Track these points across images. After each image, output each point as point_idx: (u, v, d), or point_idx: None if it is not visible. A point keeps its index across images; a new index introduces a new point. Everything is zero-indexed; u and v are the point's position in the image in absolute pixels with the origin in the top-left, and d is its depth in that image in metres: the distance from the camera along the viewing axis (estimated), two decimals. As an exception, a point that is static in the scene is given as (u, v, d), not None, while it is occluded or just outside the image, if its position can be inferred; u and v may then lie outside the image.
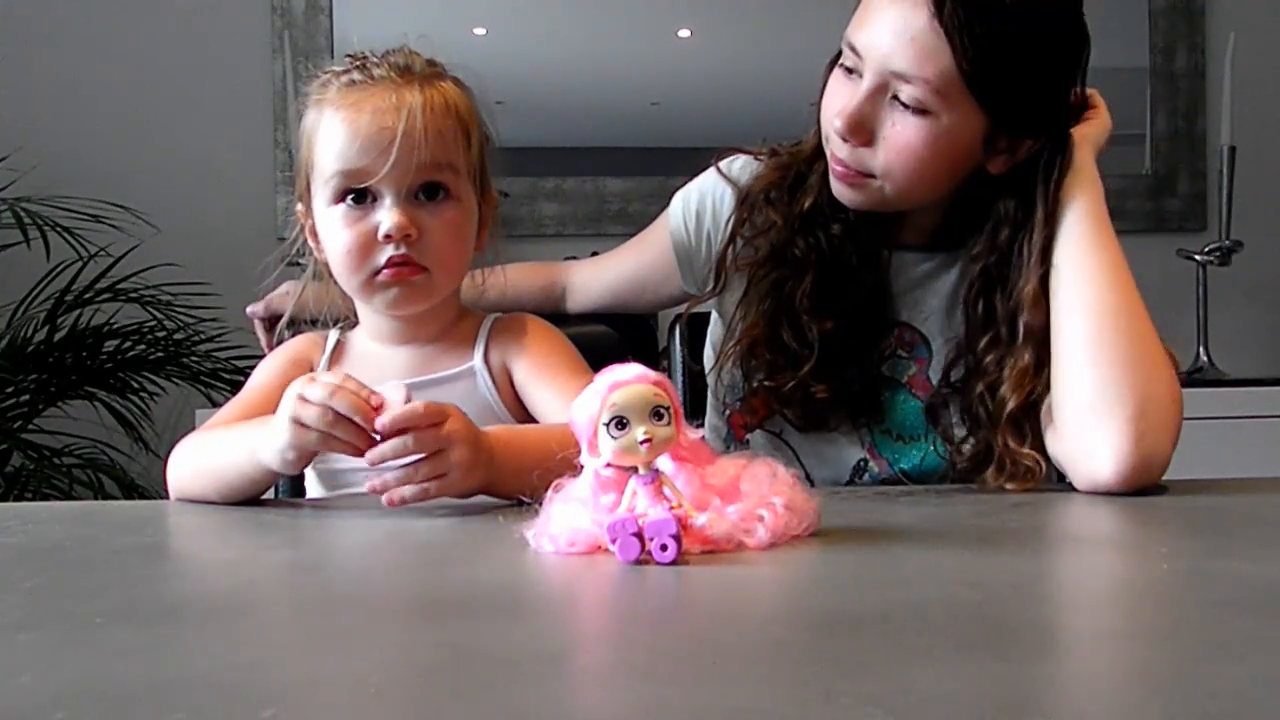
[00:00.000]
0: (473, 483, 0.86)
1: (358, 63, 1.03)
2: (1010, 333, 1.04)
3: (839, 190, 1.07)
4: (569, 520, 0.70)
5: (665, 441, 0.67)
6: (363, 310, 1.10)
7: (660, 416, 0.67)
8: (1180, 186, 2.58)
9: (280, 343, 1.18)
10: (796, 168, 1.14)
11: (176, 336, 2.11)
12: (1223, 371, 2.33)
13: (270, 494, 1.00)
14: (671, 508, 0.67)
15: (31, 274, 2.06)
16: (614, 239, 1.48)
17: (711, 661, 0.47)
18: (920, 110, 0.99)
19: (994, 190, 1.06)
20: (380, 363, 1.07)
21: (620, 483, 0.69)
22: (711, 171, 1.21)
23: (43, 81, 2.38)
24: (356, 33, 2.35)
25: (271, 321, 1.25)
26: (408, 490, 0.83)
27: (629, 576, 0.64)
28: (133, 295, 2.09)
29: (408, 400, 0.84)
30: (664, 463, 0.69)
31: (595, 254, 1.44)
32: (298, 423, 0.85)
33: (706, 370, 1.23)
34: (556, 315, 1.25)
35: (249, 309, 1.26)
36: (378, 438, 0.84)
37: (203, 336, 2.11)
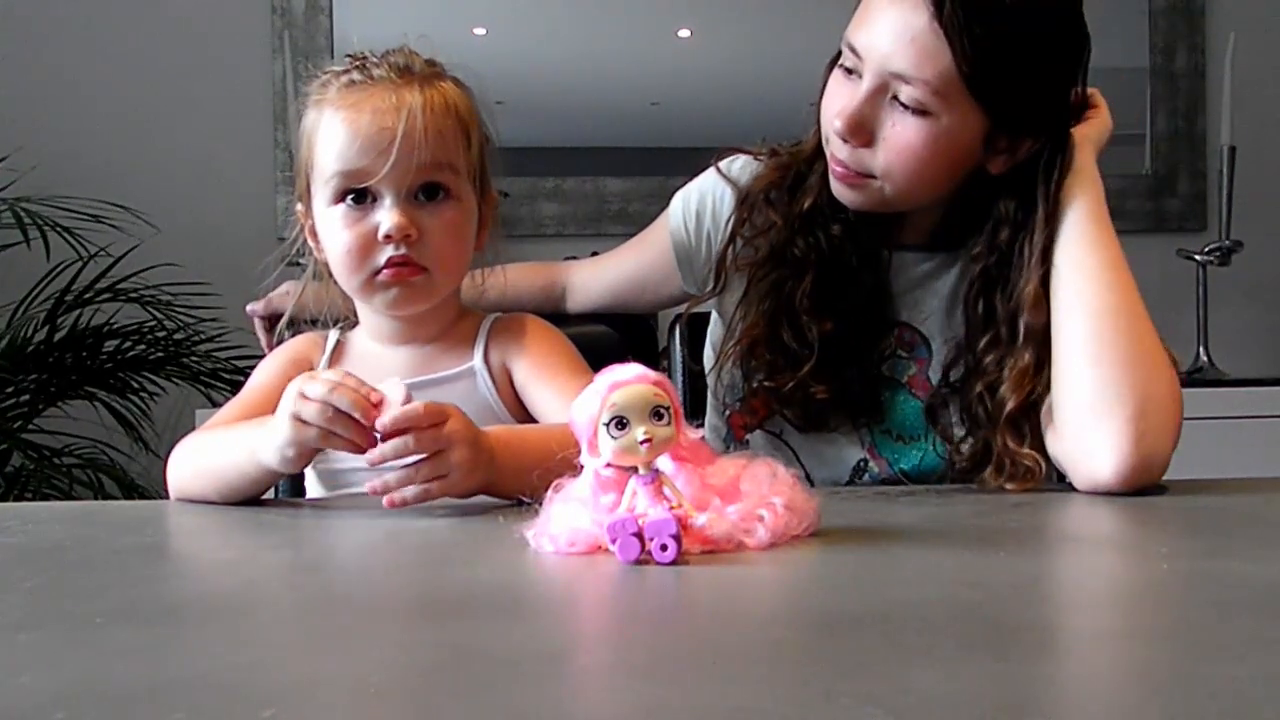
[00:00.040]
0: (473, 483, 0.86)
1: (357, 63, 1.03)
2: (1010, 333, 1.04)
3: (839, 191, 1.07)
4: (569, 520, 0.70)
5: (665, 441, 0.67)
6: (363, 310, 1.10)
7: (660, 416, 0.67)
8: (1180, 186, 2.58)
9: (280, 343, 1.18)
10: (796, 168, 1.14)
11: (176, 336, 2.11)
12: (1223, 371, 2.33)
13: (270, 494, 1.00)
14: (671, 508, 0.67)
15: (31, 274, 2.06)
16: (614, 239, 1.48)
17: (711, 661, 0.47)
18: (920, 111, 0.99)
19: (994, 190, 1.06)
20: (380, 363, 1.07)
21: (620, 483, 0.69)
22: (711, 171, 1.21)
23: (43, 81, 2.39)
24: (356, 33, 2.35)
25: (271, 321, 1.25)
26: (409, 492, 0.83)
27: (629, 576, 0.64)
28: (133, 295, 2.09)
29: (407, 397, 0.84)
30: (664, 463, 0.69)
31: (595, 254, 1.44)
32: (298, 419, 0.85)
33: (706, 370, 1.23)
34: (556, 315, 1.25)
35: (249, 307, 1.26)
36: (378, 435, 0.84)
37: (203, 336, 2.11)
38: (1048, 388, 1.00)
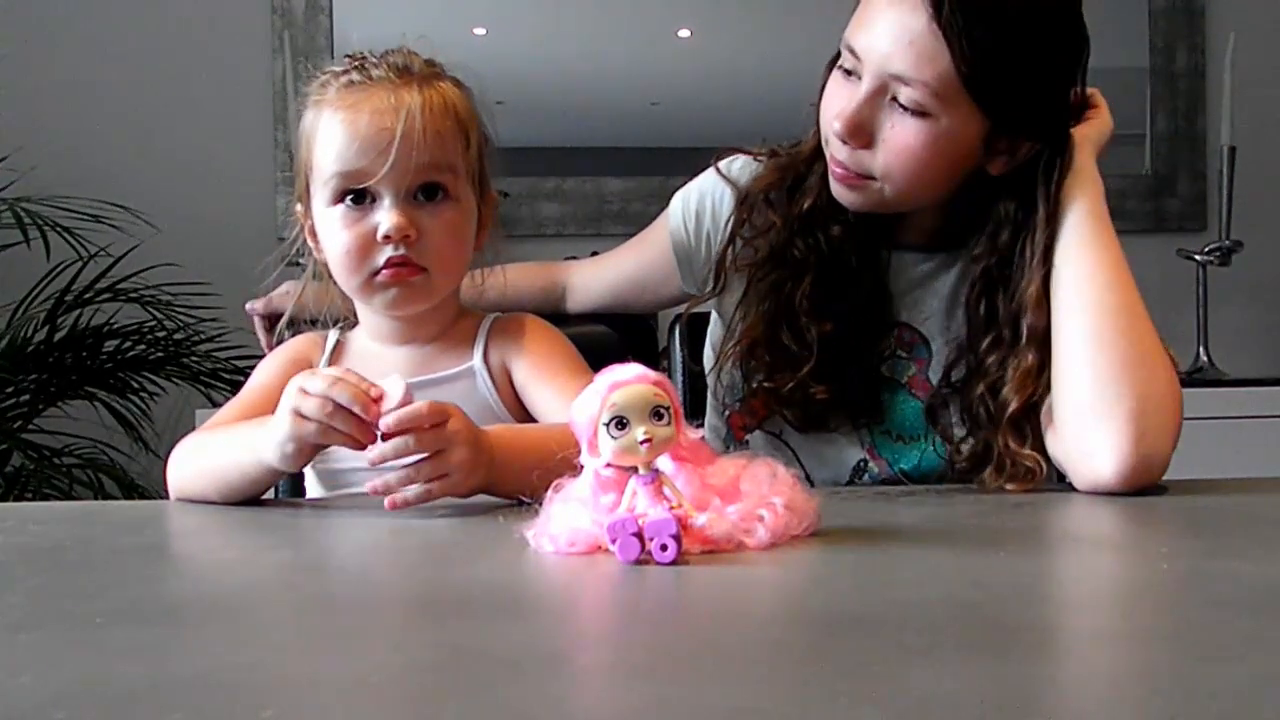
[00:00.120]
0: (473, 483, 0.86)
1: (356, 63, 1.03)
2: (1013, 334, 1.04)
3: (838, 192, 1.07)
4: (569, 520, 0.70)
5: (665, 441, 0.67)
6: (362, 310, 1.10)
7: (660, 416, 0.67)
8: (1180, 186, 2.58)
9: (280, 342, 1.18)
10: (796, 168, 1.14)
11: (176, 336, 2.11)
12: (1223, 371, 2.33)
13: (270, 494, 1.00)
14: (671, 508, 0.67)
15: (31, 274, 2.06)
16: (614, 239, 1.48)
17: (711, 661, 0.47)
18: (919, 112, 0.99)
19: (994, 191, 1.06)
20: (380, 363, 1.07)
21: (620, 483, 0.69)
22: (711, 172, 1.21)
23: (43, 81, 2.38)
24: (356, 33, 2.38)
25: (271, 321, 1.25)
26: (410, 493, 0.84)
27: (629, 576, 0.64)
28: (133, 295, 2.09)
29: (407, 393, 0.84)
30: (664, 463, 0.69)
31: (595, 254, 1.44)
32: (298, 414, 0.85)
33: (706, 371, 1.23)
34: (556, 315, 1.25)
35: (248, 305, 1.26)
36: (378, 432, 0.84)
37: (203, 336, 2.11)
38: (1048, 388, 1.00)
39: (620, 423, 0.66)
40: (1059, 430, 0.98)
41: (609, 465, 0.69)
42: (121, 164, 2.37)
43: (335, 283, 1.07)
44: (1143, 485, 0.93)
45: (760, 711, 0.40)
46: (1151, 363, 0.96)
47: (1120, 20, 2.54)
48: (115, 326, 2.11)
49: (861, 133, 1.02)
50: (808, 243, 1.12)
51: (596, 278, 1.31)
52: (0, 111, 2.28)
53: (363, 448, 0.85)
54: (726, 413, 1.19)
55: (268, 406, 0.93)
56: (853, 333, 1.11)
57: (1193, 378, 2.27)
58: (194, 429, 1.07)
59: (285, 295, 1.23)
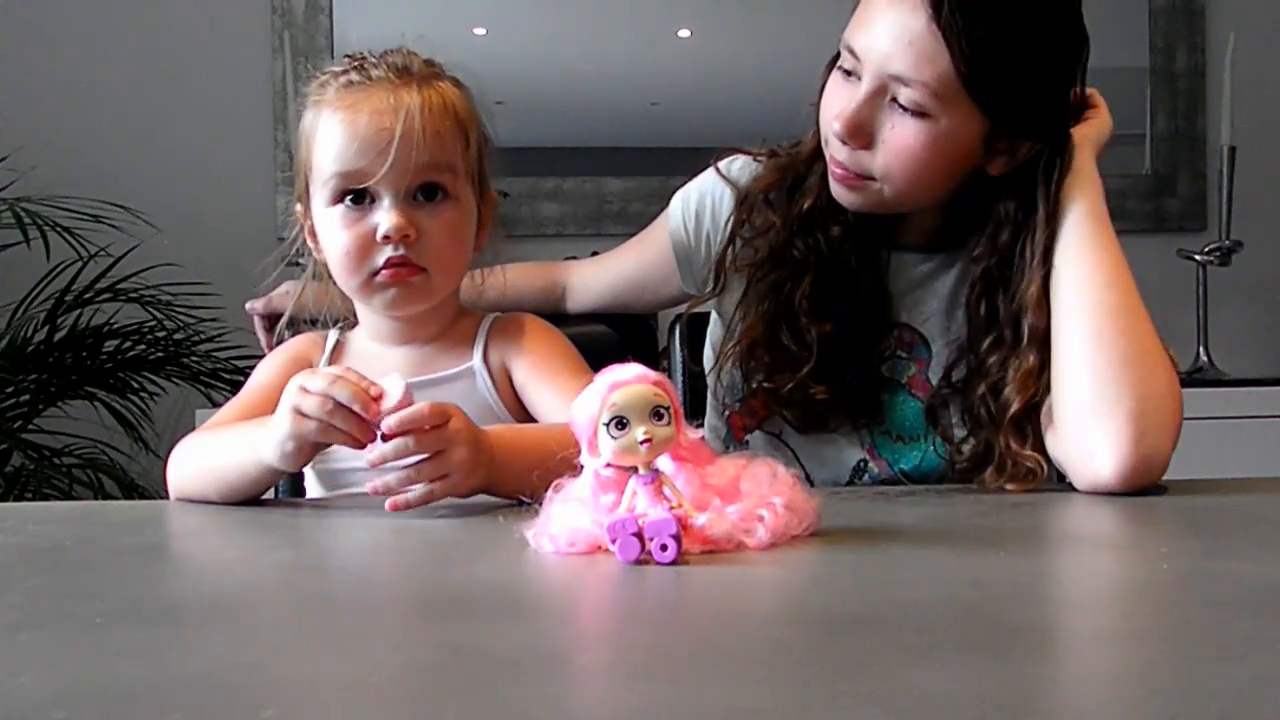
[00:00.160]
0: (474, 483, 0.86)
1: (355, 63, 1.03)
2: (1014, 335, 1.04)
3: (838, 192, 1.07)
4: (569, 520, 0.70)
5: (665, 441, 0.67)
6: (362, 310, 1.10)
7: (660, 416, 0.67)
8: (1180, 186, 2.58)
9: (280, 342, 1.18)
10: (795, 169, 1.14)
11: (176, 336, 2.11)
12: (1223, 371, 2.33)
13: (270, 494, 1.00)
14: (671, 508, 0.67)
15: (31, 274, 2.06)
16: (614, 239, 1.48)
17: (711, 661, 0.47)
18: (919, 113, 0.99)
19: (994, 191, 1.06)
20: (380, 363, 1.07)
21: (620, 483, 0.69)
22: (711, 172, 1.21)
23: (43, 81, 2.38)
24: (356, 33, 2.38)
25: (271, 321, 1.25)
26: (412, 495, 0.84)
27: (629, 576, 0.64)
28: (133, 295, 2.09)
29: (407, 391, 0.84)
30: (664, 463, 0.69)
31: (595, 254, 1.44)
32: (298, 412, 0.85)
33: (706, 371, 1.23)
34: (556, 315, 1.25)
35: (248, 305, 1.26)
36: (378, 432, 0.84)
37: (203, 336, 2.11)
38: (1048, 389, 1.00)
39: (620, 423, 0.66)
40: (1059, 430, 0.98)
41: (609, 465, 0.69)
42: (121, 164, 2.37)
43: (335, 283, 1.07)
44: (1143, 485, 0.93)
45: (760, 711, 0.40)
46: (1151, 362, 0.96)
47: (1120, 20, 2.54)
48: (115, 326, 2.11)
49: (861, 133, 1.02)
50: (807, 243, 1.12)
51: (596, 278, 1.31)
52: (0, 111, 2.28)
53: (362, 446, 0.85)
54: (726, 413, 1.19)
55: (268, 406, 0.93)
56: (852, 333, 1.11)
57: (1193, 378, 2.27)
58: (194, 429, 1.07)
59: (285, 295, 1.23)
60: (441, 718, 0.40)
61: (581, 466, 0.71)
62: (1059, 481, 1.01)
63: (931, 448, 1.13)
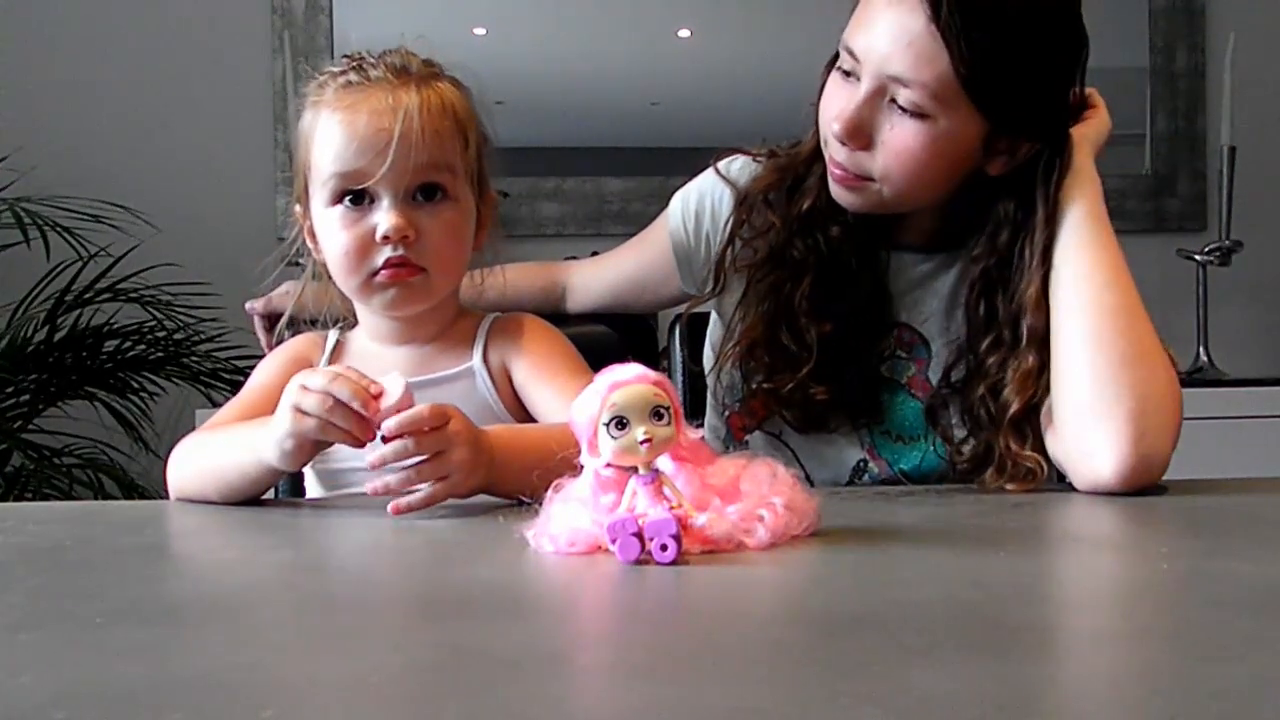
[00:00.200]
0: (474, 483, 0.86)
1: (354, 64, 1.03)
2: (1013, 335, 1.04)
3: (837, 193, 1.07)
4: (569, 520, 0.70)
5: (665, 441, 0.67)
6: (361, 311, 1.10)
7: (660, 416, 0.67)
8: (1180, 186, 2.58)
9: (280, 342, 1.18)
10: (795, 169, 1.14)
11: (176, 336, 2.11)
12: (1223, 371, 2.33)
13: (270, 494, 1.00)
14: (671, 508, 0.67)
15: (31, 274, 2.06)
16: (614, 239, 1.48)
17: (711, 661, 0.47)
18: (918, 114, 0.99)
19: (993, 191, 1.06)
20: (379, 363, 1.07)
21: (620, 483, 0.69)
22: (710, 172, 1.21)
23: (43, 81, 2.38)
24: (356, 33, 2.38)
25: (271, 321, 1.25)
26: (414, 498, 0.84)
27: (629, 576, 0.64)
28: (133, 295, 2.10)
29: (406, 390, 0.84)
30: (664, 463, 0.69)
31: (595, 254, 1.44)
32: (298, 410, 0.85)
33: (706, 371, 1.23)
34: (556, 315, 1.25)
35: (248, 305, 1.26)
36: (379, 433, 0.84)
37: (203, 336, 2.11)
38: (1047, 389, 1.00)
39: (620, 423, 0.66)
40: (1059, 430, 0.98)
41: (609, 465, 0.69)
42: (121, 164, 2.37)
43: (335, 283, 1.07)
44: (1143, 485, 0.93)
45: (760, 711, 0.40)
46: (1151, 362, 0.96)
47: (1120, 20, 2.54)
48: (115, 326, 2.11)
49: (860, 134, 1.02)
50: (807, 243, 1.12)
51: (596, 278, 1.31)
52: (0, 111, 2.28)
53: (362, 444, 0.85)
54: (726, 413, 1.19)
55: (268, 406, 0.93)
56: (852, 333, 1.11)
57: (1193, 378, 2.27)
58: (194, 429, 1.07)
59: (285, 295, 1.23)
60: (441, 718, 0.40)
61: (581, 466, 0.71)
62: (1059, 481, 1.01)
63: (931, 448, 1.13)
